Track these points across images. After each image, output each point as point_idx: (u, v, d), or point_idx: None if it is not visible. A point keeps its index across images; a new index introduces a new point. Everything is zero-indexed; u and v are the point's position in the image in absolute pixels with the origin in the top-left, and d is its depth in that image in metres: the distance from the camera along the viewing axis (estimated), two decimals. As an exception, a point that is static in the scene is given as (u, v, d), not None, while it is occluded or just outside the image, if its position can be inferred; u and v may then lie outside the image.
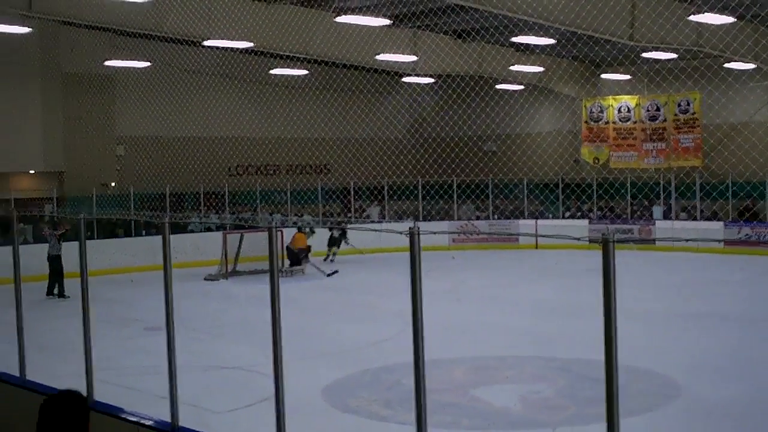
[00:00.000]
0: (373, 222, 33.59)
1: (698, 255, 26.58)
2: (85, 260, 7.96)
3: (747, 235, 28.00)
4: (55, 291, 21.67)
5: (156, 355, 11.12)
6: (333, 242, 29.41)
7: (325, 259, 28.53)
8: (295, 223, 29.07)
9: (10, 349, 9.06)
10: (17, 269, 8.86)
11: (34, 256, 20.75)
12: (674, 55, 29.10)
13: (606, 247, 4.60)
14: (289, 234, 26.31)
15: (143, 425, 7.36)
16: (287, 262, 25.74)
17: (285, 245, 25.76)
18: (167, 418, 7.19)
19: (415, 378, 5.45)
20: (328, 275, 24.79)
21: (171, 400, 7.12)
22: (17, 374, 8.90)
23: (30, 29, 23.68)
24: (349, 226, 28.75)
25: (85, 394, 7.83)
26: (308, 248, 26.33)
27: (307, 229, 26.89)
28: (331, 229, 29.49)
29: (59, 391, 4.14)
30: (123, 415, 7.61)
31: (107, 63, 29.04)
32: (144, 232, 29.50)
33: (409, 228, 5.38)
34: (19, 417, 8.79)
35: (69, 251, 22.07)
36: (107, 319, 16.00)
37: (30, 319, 9.16)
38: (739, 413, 10.96)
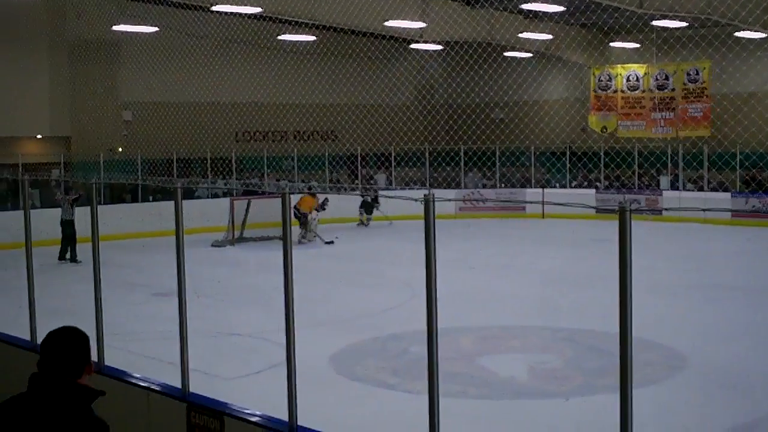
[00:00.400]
0: (381, 189, 33.55)
1: (705, 226, 26.53)
2: (97, 225, 7.96)
3: (754, 206, 27.95)
4: (68, 256, 21.73)
5: (164, 320, 11.22)
6: (365, 207, 29.61)
7: (358, 225, 29.05)
8: (310, 188, 28.95)
9: (22, 313, 9.10)
10: (28, 234, 8.87)
11: (42, 221, 20.77)
12: (684, 24, 28.92)
13: (623, 216, 4.58)
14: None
15: (153, 390, 7.39)
16: (297, 231, 25.62)
17: (293, 206, 25.64)
18: (177, 384, 7.22)
19: (428, 347, 5.44)
20: (327, 243, 24.89)
21: (182, 366, 7.15)
22: (28, 338, 8.93)
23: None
24: (361, 193, 28.65)
25: (96, 358, 7.90)
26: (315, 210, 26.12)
27: (322, 201, 26.42)
28: (363, 195, 29.62)
29: (60, 328, 4.15)
30: (133, 381, 7.64)
31: (114, 28, 28.93)
32: (151, 198, 29.54)
33: (424, 195, 5.36)
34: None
35: (79, 216, 22.18)
36: (115, 285, 16.03)
37: (41, 283, 9.19)
38: (745, 384, 10.98)
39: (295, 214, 25.27)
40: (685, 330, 13.54)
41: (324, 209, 26.61)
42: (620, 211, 4.61)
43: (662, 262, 19.80)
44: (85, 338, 4.15)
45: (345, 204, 28.42)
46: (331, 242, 25.05)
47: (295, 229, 25.43)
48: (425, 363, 5.46)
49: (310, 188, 27.64)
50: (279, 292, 6.34)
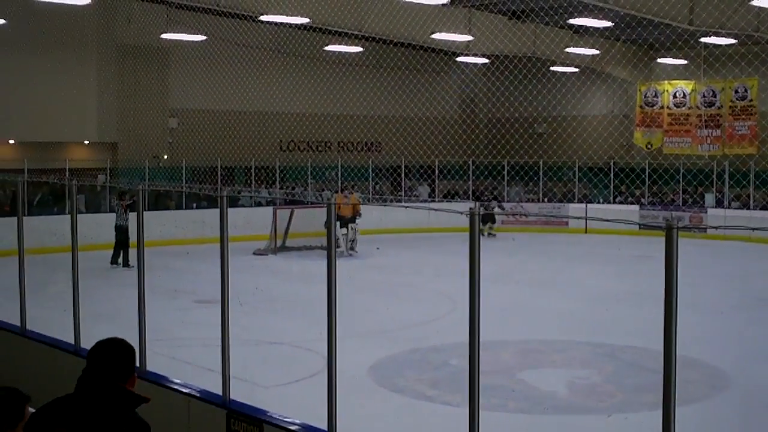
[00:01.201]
0: (423, 201, 33.53)
1: (751, 245, 26.23)
2: (143, 231, 8.03)
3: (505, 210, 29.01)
4: (120, 260, 21.92)
5: (206, 327, 11.27)
6: (488, 218, 29.26)
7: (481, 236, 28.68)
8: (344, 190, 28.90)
9: (67, 316, 9.19)
10: (75, 239, 8.97)
11: (87, 226, 21.00)
12: (733, 41, 28.67)
13: (669, 233, 4.55)
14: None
15: (194, 397, 7.44)
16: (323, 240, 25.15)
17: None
18: (217, 391, 7.26)
19: (470, 360, 5.44)
20: (350, 253, 24.68)
21: (223, 373, 7.19)
22: (72, 342, 9.02)
23: (89, 1, 23.85)
24: (404, 204, 28.19)
25: (138, 363, 7.96)
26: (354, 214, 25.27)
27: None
28: (486, 206, 29.34)
29: (108, 339, 4.23)
30: (174, 386, 7.70)
31: (163, 36, 29.19)
32: (195, 205, 29.72)
33: (470, 208, 5.36)
34: (71, 384, 8.94)
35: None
36: (159, 291, 16.14)
37: (87, 287, 9.30)
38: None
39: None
40: (728, 349, 13.41)
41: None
42: (667, 228, 4.58)
43: (707, 279, 19.63)
44: (131, 350, 4.22)
45: (389, 215, 28.44)
46: (352, 251, 24.76)
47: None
48: (465, 375, 5.45)
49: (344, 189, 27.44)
50: (320, 301, 6.36)
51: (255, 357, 12.04)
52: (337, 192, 27.35)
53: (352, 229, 24.77)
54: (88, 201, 28.44)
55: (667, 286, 4.61)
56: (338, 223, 23.72)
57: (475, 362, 5.47)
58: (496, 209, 29.84)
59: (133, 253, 20.26)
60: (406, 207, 25.36)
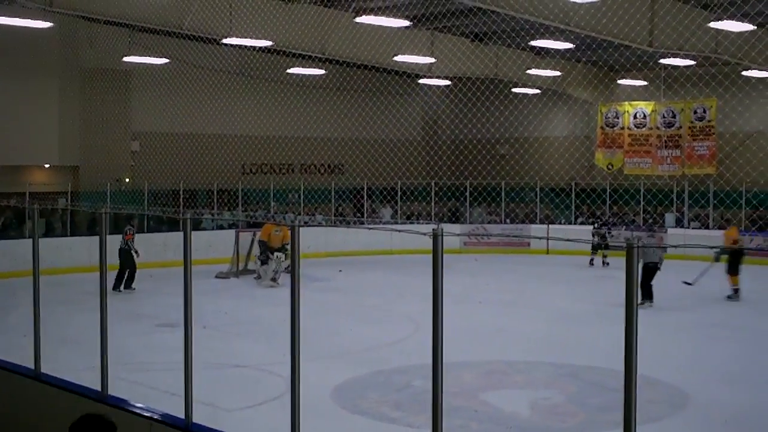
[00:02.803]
0: (386, 223, 33.56)
1: (710, 263, 26.41)
2: (105, 255, 7.99)
3: (758, 245, 27.94)
4: (121, 286, 21.60)
5: (168, 351, 11.24)
6: (599, 246, 27.66)
7: (591, 263, 27.93)
8: (319, 223, 28.64)
9: (27, 341, 9.11)
10: (36, 262, 8.90)
11: (47, 250, 20.83)
12: (692, 62, 29.03)
13: (630, 252, 4.61)
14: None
15: (156, 420, 7.39)
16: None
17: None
18: (180, 414, 7.22)
19: (433, 381, 5.46)
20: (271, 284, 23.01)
21: (185, 396, 7.15)
22: (32, 367, 8.94)
23: (51, 24, 23.76)
24: (367, 226, 26.35)
25: (99, 387, 7.91)
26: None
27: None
28: (594, 233, 27.65)
29: (88, 414, 4.19)
30: (137, 411, 7.64)
31: (125, 59, 29.12)
32: (161, 228, 29.52)
33: (432, 230, 5.40)
34: (32, 410, 8.86)
35: (87, 245, 22.23)
36: (121, 314, 16.03)
37: (47, 311, 9.21)
38: (747, 424, 10.95)
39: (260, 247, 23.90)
40: (688, 368, 13.52)
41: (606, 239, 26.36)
42: (627, 248, 4.64)
43: (666, 299, 19.77)
44: (113, 427, 4.19)
45: (352, 237, 28.42)
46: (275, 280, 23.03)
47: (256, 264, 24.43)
48: (428, 397, 5.47)
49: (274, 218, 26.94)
50: (282, 324, 6.36)
51: (218, 380, 11.99)
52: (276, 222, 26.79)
53: (277, 258, 23.11)
54: (48, 225, 28.23)
55: (628, 305, 4.66)
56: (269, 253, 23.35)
57: (438, 384, 5.49)
58: (610, 234, 28.13)
59: (87, 277, 20.22)
60: (369, 228, 24.83)
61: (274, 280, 22.78)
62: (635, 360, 4.70)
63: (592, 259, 28.00)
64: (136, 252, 21.97)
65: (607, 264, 27.57)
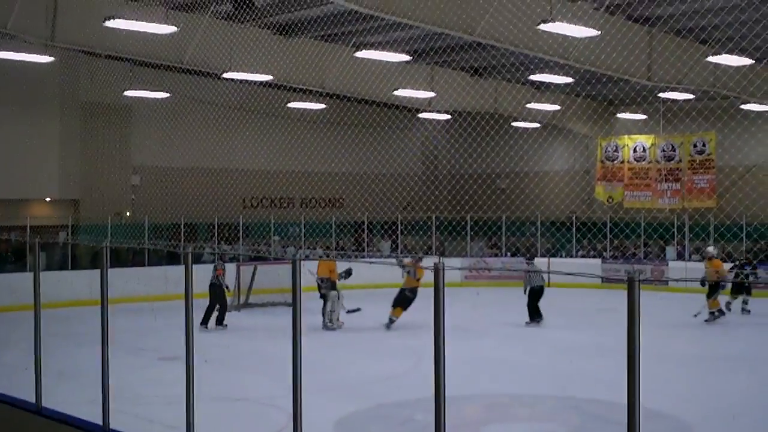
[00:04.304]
0: (386, 257, 33.51)
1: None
2: (107, 288, 8.00)
3: (759, 277, 27.84)
4: (208, 322, 21.23)
5: (170, 384, 11.15)
6: (741, 288, 24.31)
7: (727, 307, 23.72)
8: (321, 257, 28.16)
9: (27, 374, 9.09)
10: (37, 296, 8.91)
11: (47, 284, 20.75)
12: (691, 96, 29.13)
13: (631, 285, 4.61)
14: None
15: (158, 455, 7.37)
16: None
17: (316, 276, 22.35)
18: (182, 449, 7.21)
19: (435, 416, 5.45)
20: (349, 312, 22.25)
21: (187, 430, 7.14)
22: (33, 401, 8.92)
23: (53, 58, 23.86)
24: (369, 260, 24.66)
25: (101, 422, 7.89)
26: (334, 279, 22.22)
27: (343, 274, 22.45)
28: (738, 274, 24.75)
29: None
30: (138, 445, 7.62)
31: (126, 93, 29.23)
32: (162, 262, 29.48)
33: (434, 264, 5.41)
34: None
35: (88, 279, 22.15)
36: (121, 348, 15.99)
37: (48, 345, 9.20)
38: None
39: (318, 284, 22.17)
40: (691, 400, 13.46)
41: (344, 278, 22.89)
42: (629, 281, 4.64)
43: (668, 331, 19.75)
44: None
45: (364, 271, 28.28)
46: (355, 310, 22.31)
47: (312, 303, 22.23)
48: (430, 430, 5.45)
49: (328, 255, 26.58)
50: (285, 357, 6.34)
51: (220, 414, 11.94)
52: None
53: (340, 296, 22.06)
54: (49, 258, 28.20)
55: (630, 338, 4.66)
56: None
57: (441, 418, 5.48)
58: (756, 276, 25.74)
59: (87, 311, 20.21)
60: (371, 262, 24.24)
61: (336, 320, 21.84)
62: (638, 393, 4.70)
63: (729, 303, 24.07)
64: (227, 287, 21.84)
65: (748, 312, 24.16)
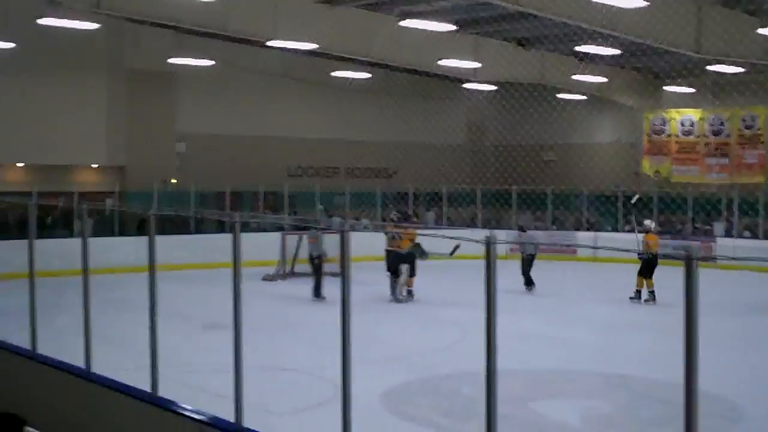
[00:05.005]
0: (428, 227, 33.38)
1: (761, 274, 26.02)
2: (155, 257, 8.01)
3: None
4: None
5: (215, 352, 11.22)
6: None
7: None
8: (365, 227, 28.00)
9: (77, 340, 9.15)
10: (86, 262, 8.95)
11: (94, 249, 20.91)
12: (740, 69, 28.69)
13: (689, 265, 4.48)
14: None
15: (205, 423, 7.38)
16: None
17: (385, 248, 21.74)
18: (229, 417, 7.20)
19: (486, 391, 5.40)
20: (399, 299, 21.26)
21: (235, 399, 7.14)
22: (83, 366, 8.97)
23: (99, 25, 23.95)
24: (423, 233, 23.79)
25: (149, 388, 7.92)
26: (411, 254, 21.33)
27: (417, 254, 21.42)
28: None
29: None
30: (186, 413, 7.64)
31: (171, 60, 29.29)
32: (208, 229, 29.56)
33: (486, 237, 5.33)
34: (83, 410, 8.89)
35: (134, 245, 22.28)
36: (167, 315, 16.07)
37: (96, 311, 9.25)
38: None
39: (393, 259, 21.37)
40: (742, 381, 13.28)
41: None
42: (686, 260, 4.50)
43: (718, 310, 19.52)
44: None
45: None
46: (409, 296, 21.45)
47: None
48: (477, 404, 5.43)
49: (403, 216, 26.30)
50: (331, 327, 6.30)
51: (266, 383, 11.95)
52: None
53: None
54: (96, 225, 28.40)
55: (687, 320, 4.53)
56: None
57: (493, 393, 5.44)
58: None
59: (135, 277, 20.38)
60: (425, 235, 23.34)
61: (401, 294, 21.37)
62: (695, 375, 4.57)
63: None
64: (318, 257, 21.68)
65: None
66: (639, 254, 21.70)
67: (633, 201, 24.50)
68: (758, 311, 20.35)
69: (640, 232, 23.05)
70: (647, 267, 21.28)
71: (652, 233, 22.92)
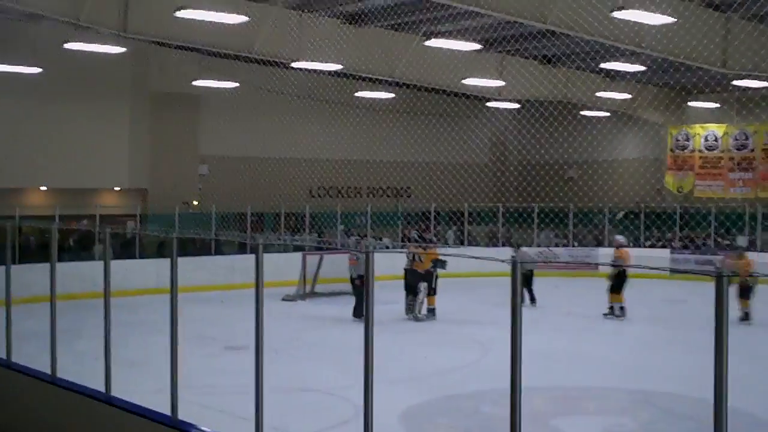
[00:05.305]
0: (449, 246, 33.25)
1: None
2: (176, 278, 7.97)
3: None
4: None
5: (236, 374, 11.16)
6: None
7: None
8: (386, 247, 27.95)
9: (97, 364, 9.09)
10: (107, 285, 8.92)
11: (115, 272, 20.91)
12: (766, 84, 28.47)
13: (719, 281, 4.38)
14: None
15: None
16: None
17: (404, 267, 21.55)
18: (250, 440, 7.14)
19: (511, 410, 5.31)
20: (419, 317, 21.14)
21: (256, 421, 7.07)
22: (103, 390, 8.92)
23: (125, 49, 24.06)
24: (448, 253, 24.01)
25: (169, 411, 7.85)
26: (430, 273, 21.30)
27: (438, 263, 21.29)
28: None
29: None
30: (207, 436, 7.57)
31: (195, 83, 29.39)
32: (229, 251, 29.57)
33: (512, 256, 5.28)
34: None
35: (155, 267, 22.32)
36: (188, 337, 16.05)
37: (116, 334, 9.20)
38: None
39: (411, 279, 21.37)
40: (764, 395, 13.11)
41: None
42: (717, 276, 4.42)
43: (742, 325, 19.35)
44: None
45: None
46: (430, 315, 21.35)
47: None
48: (497, 423, 5.35)
49: (422, 237, 26.40)
50: (350, 347, 6.23)
51: (288, 405, 11.88)
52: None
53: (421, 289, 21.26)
54: (116, 248, 28.43)
55: (717, 335, 4.44)
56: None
57: (517, 413, 5.35)
58: None
59: (155, 299, 20.31)
60: (449, 255, 23.10)
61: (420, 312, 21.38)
62: (725, 390, 4.48)
63: None
64: (357, 278, 21.31)
65: None
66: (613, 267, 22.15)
67: (618, 217, 24.47)
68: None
69: (614, 246, 23.43)
70: (617, 282, 21.57)
71: (624, 248, 23.11)
